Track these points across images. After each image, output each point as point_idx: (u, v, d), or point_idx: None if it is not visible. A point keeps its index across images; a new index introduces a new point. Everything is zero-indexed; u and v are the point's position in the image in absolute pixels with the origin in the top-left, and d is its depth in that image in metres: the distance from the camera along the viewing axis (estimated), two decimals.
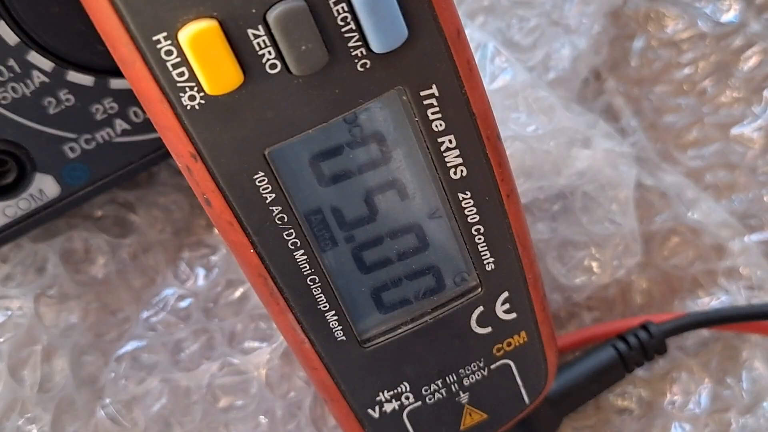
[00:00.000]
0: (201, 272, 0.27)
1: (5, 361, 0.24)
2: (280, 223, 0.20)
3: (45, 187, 0.25)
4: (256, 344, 0.26)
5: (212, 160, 0.19)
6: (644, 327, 0.27)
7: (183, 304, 0.27)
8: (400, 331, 0.22)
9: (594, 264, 0.27)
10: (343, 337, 0.21)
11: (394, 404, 0.23)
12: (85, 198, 0.26)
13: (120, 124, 0.25)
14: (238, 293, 0.27)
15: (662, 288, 0.29)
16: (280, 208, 0.20)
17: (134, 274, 0.27)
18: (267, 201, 0.19)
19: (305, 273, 0.20)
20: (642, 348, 0.27)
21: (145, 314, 0.27)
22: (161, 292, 0.27)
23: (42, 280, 0.25)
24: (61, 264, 0.26)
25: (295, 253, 0.20)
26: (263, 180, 0.19)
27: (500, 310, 0.22)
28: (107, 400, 0.25)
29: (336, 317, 0.21)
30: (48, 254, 0.26)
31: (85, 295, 0.26)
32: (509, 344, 0.23)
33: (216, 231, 0.28)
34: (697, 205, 0.29)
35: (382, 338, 0.22)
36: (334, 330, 0.21)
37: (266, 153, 0.19)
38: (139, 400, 0.25)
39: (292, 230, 0.20)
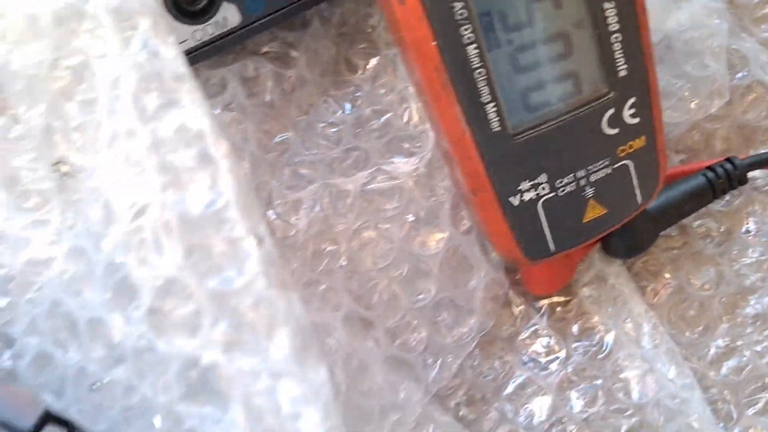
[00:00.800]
0: (347, 106, 0.32)
1: None
2: (459, 18, 0.24)
3: (228, 15, 0.29)
4: (402, 159, 0.30)
5: None
6: (730, 160, 0.31)
7: (333, 130, 0.31)
8: (543, 127, 0.26)
9: (690, 102, 0.31)
10: (498, 128, 0.26)
11: (532, 194, 0.27)
12: (259, 29, 0.30)
13: None
14: (383, 119, 0.31)
15: (739, 137, 0.33)
16: (461, 5, 0.24)
17: (292, 105, 0.31)
18: None
19: (474, 67, 0.25)
20: (728, 177, 0.31)
21: (302, 138, 0.31)
22: (314, 120, 0.31)
23: (223, 98, 0.30)
24: (238, 86, 0.30)
25: (467, 47, 0.24)
26: None
27: (627, 114, 0.27)
28: (276, 203, 0.30)
29: (494, 109, 0.25)
30: (227, 78, 0.30)
31: (255, 116, 0.30)
32: (631, 146, 0.27)
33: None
34: None
35: (528, 132, 0.26)
36: (491, 121, 0.26)
37: None
38: (301, 203, 0.30)
39: (468, 26, 0.24)
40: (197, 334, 0.20)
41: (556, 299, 0.31)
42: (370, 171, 0.30)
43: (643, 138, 0.27)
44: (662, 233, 0.31)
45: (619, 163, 0.27)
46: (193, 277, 0.20)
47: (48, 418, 0.20)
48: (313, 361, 0.21)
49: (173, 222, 0.21)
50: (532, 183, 0.27)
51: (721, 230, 0.32)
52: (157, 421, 0.22)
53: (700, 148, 0.33)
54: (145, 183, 0.21)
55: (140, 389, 0.22)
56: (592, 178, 0.27)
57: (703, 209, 0.32)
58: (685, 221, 0.32)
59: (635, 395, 0.30)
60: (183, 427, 0.21)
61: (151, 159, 0.21)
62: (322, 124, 0.31)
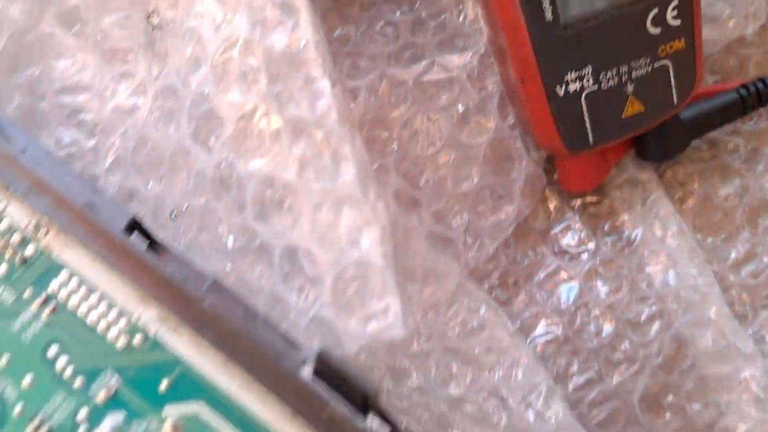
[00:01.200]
0: (406, 8, 0.34)
1: None
2: None
3: None
4: (456, 55, 0.32)
5: None
6: (761, 80, 0.33)
7: (391, 28, 0.34)
8: (592, 21, 0.28)
9: (728, 21, 0.33)
10: (551, 18, 0.28)
11: (577, 85, 0.29)
12: None
13: None
14: (439, 20, 0.33)
15: None
16: None
17: (355, 3, 0.34)
18: None
19: None
20: (758, 94, 0.33)
21: (361, 34, 0.33)
22: (374, 18, 0.34)
23: None
24: None
25: None
26: None
27: (670, 14, 0.29)
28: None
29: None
30: None
31: (320, 9, 0.33)
32: (671, 47, 0.29)
33: None
34: None
35: (577, 25, 0.28)
36: (545, 10, 0.28)
37: None
38: (359, 90, 0.32)
39: None
40: (275, 155, 0.23)
41: (589, 199, 0.33)
42: (425, 63, 0.32)
43: (682, 40, 0.29)
44: (692, 145, 0.33)
45: (659, 63, 0.29)
46: (274, 104, 0.23)
47: (136, 225, 0.22)
48: (373, 194, 0.23)
49: (259, 57, 0.23)
50: (577, 74, 0.29)
51: (749, 148, 0.34)
52: (230, 241, 0.24)
53: (734, 72, 0.35)
54: (233, 24, 0.24)
55: (216, 213, 0.25)
56: (634, 74, 0.29)
57: (732, 128, 0.34)
58: (714, 135, 0.34)
59: (657, 286, 0.32)
60: (254, 243, 0.24)
61: (241, 2, 0.24)
62: (381, 23, 0.34)
